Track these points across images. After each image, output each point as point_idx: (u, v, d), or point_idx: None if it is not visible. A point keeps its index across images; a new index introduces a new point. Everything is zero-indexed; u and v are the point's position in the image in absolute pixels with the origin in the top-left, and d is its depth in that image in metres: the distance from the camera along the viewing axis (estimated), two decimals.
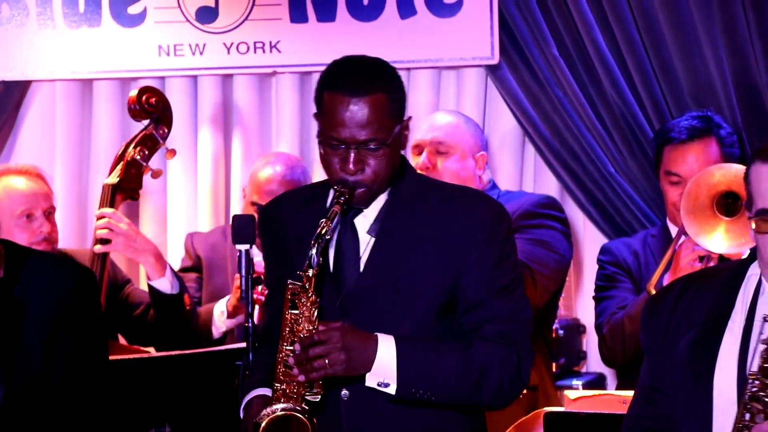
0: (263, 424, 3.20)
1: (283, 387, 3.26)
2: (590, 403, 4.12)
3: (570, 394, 4.18)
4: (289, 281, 3.27)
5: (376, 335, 3.28)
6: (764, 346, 2.99)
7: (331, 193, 3.39)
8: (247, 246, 4.12)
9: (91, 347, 3.36)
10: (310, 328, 3.23)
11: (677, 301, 3.26)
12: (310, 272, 3.24)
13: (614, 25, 5.33)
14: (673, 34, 5.25)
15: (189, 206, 5.84)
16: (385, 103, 3.30)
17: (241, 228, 4.16)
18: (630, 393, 4.11)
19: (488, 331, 3.35)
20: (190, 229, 5.71)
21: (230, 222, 5.48)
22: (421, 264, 3.36)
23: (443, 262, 3.35)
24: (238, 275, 4.93)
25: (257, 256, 4.11)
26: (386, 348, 3.27)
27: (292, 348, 3.24)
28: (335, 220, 3.30)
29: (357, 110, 3.28)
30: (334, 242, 3.42)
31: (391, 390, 3.28)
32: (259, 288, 4.72)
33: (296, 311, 3.26)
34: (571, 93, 5.43)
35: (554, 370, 5.17)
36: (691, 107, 5.20)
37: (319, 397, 3.23)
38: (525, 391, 3.97)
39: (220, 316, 5.02)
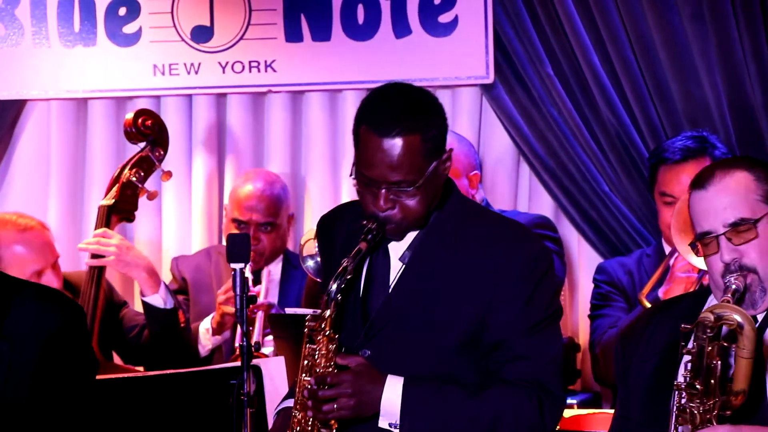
0: None
1: (300, 417, 3.30)
2: (585, 421, 4.11)
3: (565, 413, 4.18)
4: (308, 318, 3.28)
5: (386, 376, 3.26)
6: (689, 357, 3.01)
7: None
8: (241, 265, 4.10)
9: (78, 383, 3.34)
10: (327, 364, 3.25)
11: (643, 331, 3.30)
12: (327, 312, 3.25)
13: (609, 45, 5.34)
14: (668, 54, 5.27)
15: (183, 227, 5.83)
16: (419, 144, 3.23)
17: (236, 247, 4.14)
18: None
19: (511, 372, 3.29)
20: (184, 250, 5.71)
21: (215, 243, 5.52)
22: (449, 296, 3.31)
23: (472, 295, 3.30)
24: (221, 291, 4.95)
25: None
26: (394, 389, 3.26)
27: (309, 379, 3.26)
28: (358, 257, 3.27)
29: (388, 151, 3.22)
30: (366, 266, 3.40)
31: None
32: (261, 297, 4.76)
33: (313, 345, 3.28)
34: (566, 112, 5.44)
35: None
36: (686, 127, 5.21)
37: (334, 430, 3.26)
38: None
39: (206, 333, 5.03)
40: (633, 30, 5.30)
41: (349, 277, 3.26)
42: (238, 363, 4.07)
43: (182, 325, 4.97)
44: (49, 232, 4.83)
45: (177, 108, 5.82)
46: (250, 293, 4.07)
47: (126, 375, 4.38)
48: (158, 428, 4.23)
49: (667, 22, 5.25)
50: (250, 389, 3.66)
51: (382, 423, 3.27)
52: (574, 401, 5.27)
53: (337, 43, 5.64)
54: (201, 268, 5.30)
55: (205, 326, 5.04)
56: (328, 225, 3.59)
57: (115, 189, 4.98)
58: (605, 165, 5.42)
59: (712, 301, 3.22)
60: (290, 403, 3.41)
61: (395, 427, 3.27)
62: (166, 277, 5.49)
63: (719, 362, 2.96)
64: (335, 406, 3.22)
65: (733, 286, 3.09)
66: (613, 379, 4.66)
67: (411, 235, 3.37)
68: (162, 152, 5.07)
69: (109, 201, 4.96)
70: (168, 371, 4.37)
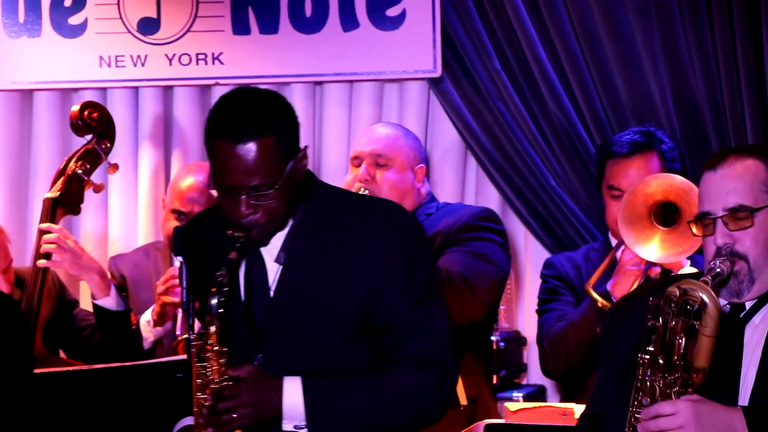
0: None
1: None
2: (530, 414, 4.14)
3: (510, 406, 4.20)
4: (192, 338, 3.27)
5: (282, 379, 3.27)
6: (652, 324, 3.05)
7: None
8: None
9: (11, 378, 3.32)
10: (219, 379, 3.25)
11: (628, 313, 3.32)
12: (212, 328, 3.24)
13: (556, 40, 5.37)
14: (613, 49, 5.30)
15: (129, 220, 5.80)
16: (272, 147, 3.24)
17: None
18: (571, 405, 4.16)
19: (405, 351, 3.33)
20: (130, 243, 5.68)
21: (161, 236, 5.50)
22: (331, 287, 3.33)
23: (355, 282, 3.32)
24: (159, 282, 4.93)
25: None
26: (293, 391, 3.27)
27: (204, 396, 3.26)
28: (231, 268, 3.25)
29: (243, 157, 3.22)
30: (243, 273, 3.39)
31: None
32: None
33: (204, 363, 3.27)
34: (513, 106, 5.46)
35: (495, 382, 5.20)
36: (631, 121, 5.24)
37: None
38: (465, 404, 4.00)
39: (147, 326, 5.02)
40: (580, 24, 5.33)
41: (226, 290, 3.25)
42: (184, 356, 4.08)
43: (134, 326, 4.96)
44: (3, 234, 4.80)
45: (123, 100, 5.78)
46: None
47: (71, 368, 4.36)
48: (104, 421, 4.22)
49: (613, 17, 5.28)
50: None
51: (287, 426, 3.29)
52: (520, 395, 5.31)
53: (285, 36, 5.63)
54: (139, 265, 5.28)
55: (146, 318, 5.02)
56: (191, 233, 3.54)
57: (60, 181, 4.94)
58: (551, 159, 5.45)
59: None
60: (189, 421, 3.40)
61: (301, 429, 3.29)
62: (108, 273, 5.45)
63: (683, 339, 2.99)
64: (234, 416, 3.22)
65: (717, 270, 3.12)
66: (562, 371, 4.72)
67: (281, 235, 3.38)
68: (108, 145, 5.04)
69: (54, 194, 4.92)
70: (113, 364, 4.35)
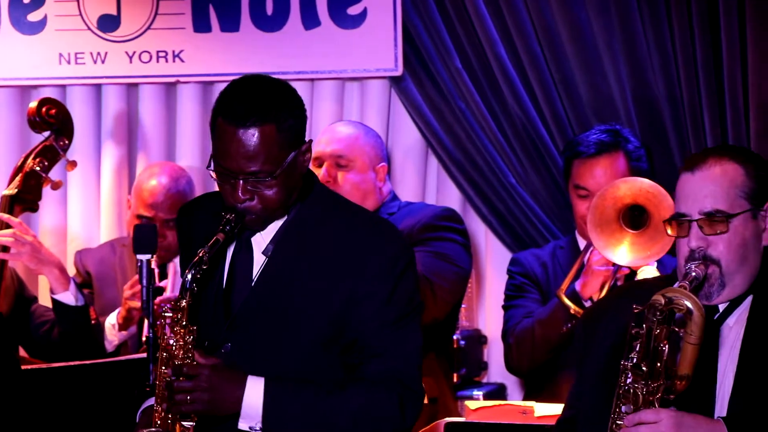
0: None
1: (160, 410, 3.28)
2: (490, 413, 4.15)
3: (470, 404, 4.21)
4: (165, 309, 3.27)
5: (246, 377, 3.25)
6: (635, 333, 3.05)
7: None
8: (148, 256, 4.09)
9: None
10: (186, 355, 3.24)
11: (605, 313, 3.33)
12: (183, 303, 3.23)
13: (516, 39, 5.38)
14: (573, 47, 5.32)
15: (90, 218, 5.78)
16: (275, 134, 3.23)
17: (143, 238, 4.13)
18: (531, 403, 4.17)
19: (372, 370, 3.31)
20: (91, 241, 5.65)
21: (124, 234, 5.47)
22: (310, 290, 3.32)
23: (334, 290, 3.31)
24: (127, 286, 4.91)
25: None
26: (254, 391, 3.25)
27: (167, 371, 3.24)
28: (215, 247, 3.25)
29: (244, 142, 3.22)
30: (228, 259, 3.39)
31: None
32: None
33: (171, 337, 3.26)
34: (474, 105, 5.47)
35: (455, 380, 5.20)
36: (592, 120, 5.26)
37: (194, 424, 3.24)
38: (426, 403, 3.99)
39: (112, 329, 4.99)
40: (540, 23, 5.34)
41: (205, 267, 3.24)
42: (144, 354, 4.07)
43: (93, 321, 4.93)
44: None
45: (84, 97, 5.75)
46: (156, 285, 4.07)
47: (31, 366, 4.33)
48: (64, 420, 4.20)
49: (573, 16, 5.30)
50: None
51: (242, 425, 3.27)
52: (480, 393, 5.32)
53: (246, 34, 5.61)
54: (105, 261, 5.25)
55: (111, 321, 4.99)
56: (187, 215, 3.57)
57: (18, 178, 4.92)
58: (512, 157, 5.46)
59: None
60: (153, 401, 3.39)
61: (256, 430, 3.27)
62: (71, 269, 5.43)
63: (667, 346, 3.00)
64: (188, 398, 3.20)
65: (693, 274, 3.12)
66: (527, 368, 4.75)
67: (274, 228, 3.37)
68: (67, 142, 5.02)
69: (11, 190, 4.90)
70: (74, 363, 4.34)
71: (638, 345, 3.03)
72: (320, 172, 4.79)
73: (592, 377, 3.26)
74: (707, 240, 3.15)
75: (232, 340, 3.33)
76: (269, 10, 5.60)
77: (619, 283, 4.46)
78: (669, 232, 3.24)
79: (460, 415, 4.70)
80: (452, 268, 4.70)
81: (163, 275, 5.05)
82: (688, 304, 2.98)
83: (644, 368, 3.01)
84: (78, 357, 4.73)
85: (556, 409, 3.92)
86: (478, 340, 5.57)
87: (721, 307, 3.20)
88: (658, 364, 3.01)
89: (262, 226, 3.36)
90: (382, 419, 3.30)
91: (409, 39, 5.54)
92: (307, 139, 3.36)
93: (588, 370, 3.29)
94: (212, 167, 3.30)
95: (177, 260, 5.18)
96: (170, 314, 3.26)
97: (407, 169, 5.69)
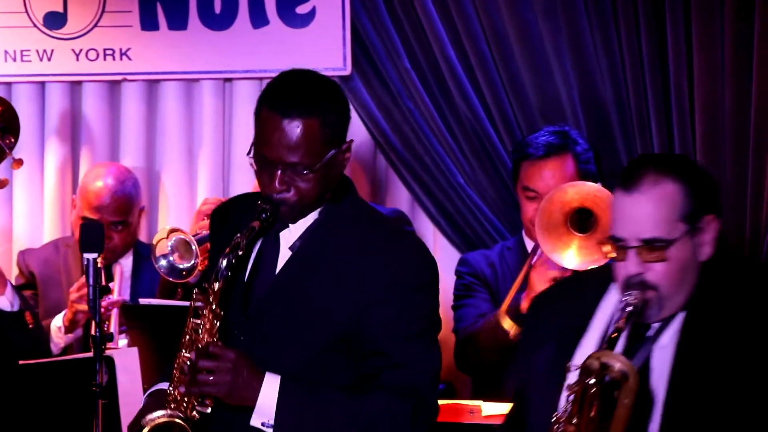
0: (145, 431, 3.22)
1: (176, 392, 3.27)
2: (439, 411, 4.15)
3: None
4: (195, 291, 3.27)
5: (264, 373, 3.25)
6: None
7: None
8: (95, 255, 4.05)
9: None
10: (210, 339, 3.24)
11: (550, 306, 3.34)
12: (216, 286, 3.24)
13: (465, 39, 5.40)
14: (521, 49, 5.34)
15: (34, 216, 5.73)
16: (317, 129, 3.25)
17: (90, 236, 4.09)
18: (478, 402, 4.18)
19: (389, 379, 3.30)
20: (36, 239, 5.61)
21: (68, 233, 5.43)
22: (329, 290, 3.32)
23: (351, 294, 3.30)
24: (72, 289, 4.87)
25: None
26: (270, 388, 3.25)
27: (189, 356, 3.23)
28: (251, 234, 3.27)
29: (287, 133, 3.24)
30: (256, 251, 3.40)
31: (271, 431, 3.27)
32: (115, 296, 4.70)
33: (198, 320, 3.26)
34: (422, 105, 5.48)
35: None
36: (539, 121, 5.29)
37: (209, 409, 3.24)
38: None
39: (58, 332, 4.94)
40: (488, 25, 5.36)
41: (241, 253, 3.27)
42: (90, 354, 4.03)
43: (30, 326, 4.88)
44: None
45: (29, 95, 5.71)
46: (103, 284, 4.03)
47: None
48: (11, 420, 4.16)
49: (521, 18, 5.32)
50: (103, 380, 3.62)
51: (255, 421, 3.27)
52: None
53: (194, 32, 5.59)
54: (49, 261, 5.21)
55: (56, 324, 4.95)
56: (222, 213, 3.60)
57: None
58: (460, 158, 5.48)
59: (612, 291, 3.21)
60: (163, 386, 3.38)
61: (268, 427, 3.26)
62: (15, 269, 5.39)
63: (598, 403, 2.95)
64: (211, 378, 3.19)
65: (629, 308, 3.06)
66: (473, 368, 4.74)
67: (303, 225, 3.38)
68: (12, 140, 4.98)
69: None
70: (20, 362, 4.29)
71: (572, 397, 2.97)
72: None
73: (538, 376, 3.26)
74: (645, 266, 3.09)
75: (246, 329, 3.34)
76: (217, 8, 5.58)
77: None
78: (605, 251, 3.17)
79: None
80: None
81: (109, 276, 5.01)
82: (623, 369, 2.93)
83: (575, 422, 2.96)
84: (20, 358, 4.69)
85: (503, 408, 3.93)
86: None
87: (654, 324, 3.16)
88: (591, 415, 2.94)
89: (294, 219, 3.37)
90: (394, 428, 3.29)
91: (357, 38, 5.54)
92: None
93: (534, 366, 3.28)
94: (252, 154, 3.33)
95: (123, 261, 5.16)
96: (200, 296, 3.25)
97: (356, 168, 5.69)
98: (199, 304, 3.26)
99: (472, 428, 4.07)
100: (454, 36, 5.42)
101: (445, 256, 5.58)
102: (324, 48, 5.54)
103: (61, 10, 5.64)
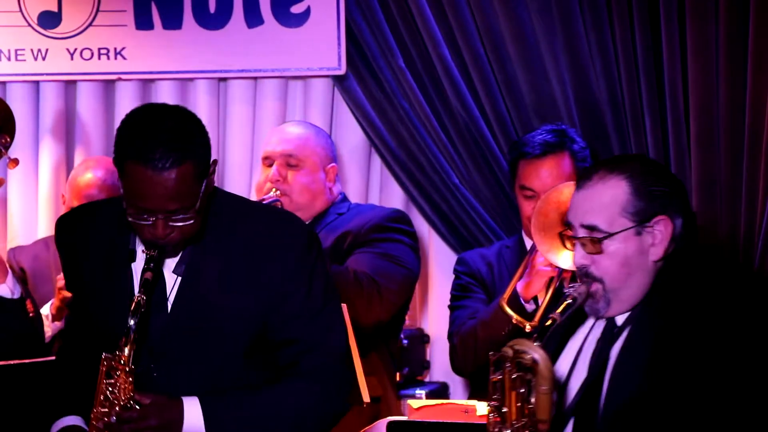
0: None
1: None
2: (433, 412, 4.15)
3: (413, 403, 4.21)
4: (104, 355, 3.24)
5: (182, 402, 3.27)
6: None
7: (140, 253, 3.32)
8: None
9: None
10: (125, 396, 3.23)
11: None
12: (127, 350, 3.21)
13: (460, 39, 5.40)
14: (516, 49, 5.34)
15: (29, 215, 5.73)
16: (192, 171, 3.20)
17: None
18: (473, 402, 4.18)
19: (303, 366, 3.35)
20: (30, 239, 5.61)
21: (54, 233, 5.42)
22: (230, 300, 3.32)
23: (253, 296, 3.32)
24: (59, 276, 4.87)
25: None
26: (193, 411, 3.27)
27: (106, 411, 3.24)
28: (148, 288, 3.24)
29: (163, 184, 3.17)
30: (138, 282, 3.32)
31: None
32: None
33: (111, 380, 3.25)
34: (417, 105, 5.48)
35: (398, 379, 5.20)
36: (534, 121, 5.29)
37: None
38: (368, 401, 4.00)
39: (45, 320, 4.96)
40: (483, 24, 5.36)
41: (143, 311, 3.23)
42: None
43: (31, 314, 4.88)
44: None
45: (24, 95, 5.70)
46: None
47: None
48: (5, 419, 4.16)
49: (516, 18, 5.32)
50: None
51: None
52: (423, 392, 5.32)
53: (188, 32, 5.59)
54: (39, 257, 5.22)
55: (44, 313, 4.96)
56: (75, 224, 3.52)
57: None
58: (455, 157, 5.48)
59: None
60: (70, 421, 3.41)
61: None
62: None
63: (525, 389, 3.03)
64: None
65: (569, 300, 3.17)
66: (471, 368, 4.75)
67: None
68: (8, 139, 4.96)
69: None
70: (13, 362, 4.29)
71: (498, 390, 3.07)
72: (270, 172, 4.79)
73: None
74: (591, 258, 3.18)
75: (157, 363, 3.34)
76: (212, 7, 5.58)
77: (565, 284, 4.46)
78: (565, 243, 3.30)
79: (402, 414, 4.70)
80: (400, 270, 4.70)
81: None
82: (534, 355, 3.00)
83: (505, 410, 3.04)
84: (18, 349, 4.69)
85: None
86: (420, 339, 5.58)
87: (619, 321, 3.23)
88: (519, 404, 3.03)
89: (178, 253, 3.35)
90: (320, 412, 3.36)
91: (352, 38, 5.54)
92: (213, 157, 3.33)
93: None
94: (126, 206, 3.24)
95: None
96: (110, 357, 3.24)
97: (350, 168, 5.68)
98: (111, 366, 3.24)
99: (467, 428, 4.06)
100: (449, 35, 5.42)
101: (440, 256, 5.58)
102: (318, 47, 5.54)
103: (55, 9, 5.63)
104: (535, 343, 3.04)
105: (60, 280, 4.89)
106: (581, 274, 3.20)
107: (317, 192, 4.81)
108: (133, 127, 3.22)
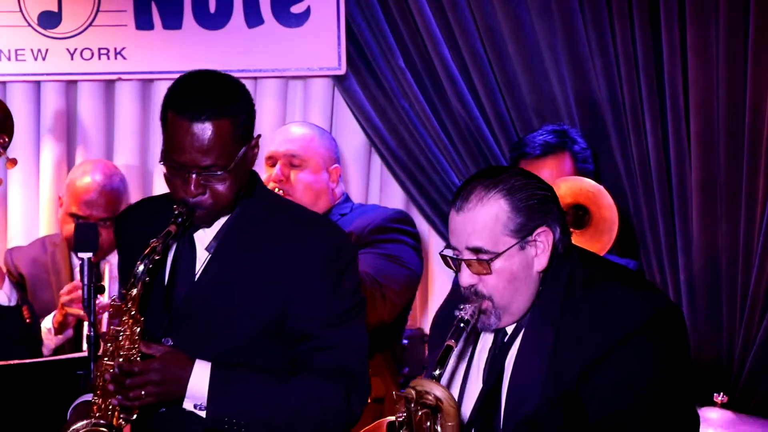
0: None
1: (100, 402, 3.29)
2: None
3: None
4: (112, 298, 3.28)
5: (194, 361, 3.28)
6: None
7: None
8: (89, 254, 4.06)
9: None
10: (132, 346, 3.25)
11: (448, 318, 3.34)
12: (134, 291, 3.24)
13: (459, 39, 5.40)
14: (516, 48, 5.34)
15: (29, 216, 5.72)
16: (229, 129, 3.26)
17: (85, 237, 4.10)
18: None
19: (318, 362, 3.35)
20: (30, 239, 5.60)
21: (54, 233, 5.43)
22: (252, 285, 3.34)
23: (275, 285, 3.34)
24: (63, 292, 4.86)
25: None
26: (201, 374, 3.28)
27: (112, 363, 3.25)
28: (167, 238, 3.28)
29: (198, 136, 3.23)
30: (172, 255, 3.40)
31: (204, 414, 3.30)
32: (105, 298, 4.67)
33: (119, 327, 3.26)
34: (417, 104, 5.48)
35: (399, 380, 5.20)
36: (534, 121, 5.29)
37: (135, 416, 3.28)
38: (368, 401, 4.00)
39: (47, 333, 4.94)
40: (483, 24, 5.36)
41: (157, 258, 3.26)
42: (85, 353, 4.04)
43: (28, 321, 4.88)
44: None
45: (24, 95, 5.70)
46: (97, 284, 4.04)
47: None
48: (3, 420, 4.16)
49: (516, 17, 5.32)
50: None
51: (187, 404, 3.30)
52: None
53: (188, 32, 5.59)
54: (37, 261, 5.21)
55: (46, 326, 4.95)
56: (125, 221, 3.60)
57: None
58: (455, 157, 5.48)
59: None
60: (87, 397, 3.40)
61: (200, 409, 3.29)
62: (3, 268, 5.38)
63: (430, 423, 3.03)
64: (142, 392, 3.23)
65: (461, 323, 3.16)
66: None
67: (218, 225, 3.40)
68: (7, 139, 4.96)
69: None
70: (13, 362, 4.29)
71: (405, 428, 3.06)
72: (273, 172, 4.79)
73: None
74: (477, 277, 3.18)
75: (172, 334, 3.35)
76: (212, 7, 5.58)
77: None
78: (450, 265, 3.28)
79: None
80: (402, 271, 4.71)
81: (98, 274, 5.01)
82: (437, 393, 3.01)
83: None
84: (15, 355, 4.69)
85: None
86: (421, 339, 5.57)
87: (509, 330, 3.25)
88: None
89: (209, 223, 3.38)
90: (328, 409, 3.34)
91: (352, 38, 5.54)
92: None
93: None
94: (162, 161, 3.31)
95: (111, 259, 5.16)
96: (118, 303, 3.25)
97: (350, 168, 5.69)
98: (117, 310, 3.27)
99: None
100: (449, 35, 5.42)
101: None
102: (319, 47, 5.54)
103: (55, 9, 5.63)
104: (434, 380, 3.05)
105: (65, 296, 4.87)
106: (469, 294, 3.19)
107: (320, 192, 4.81)
108: (182, 82, 3.33)
